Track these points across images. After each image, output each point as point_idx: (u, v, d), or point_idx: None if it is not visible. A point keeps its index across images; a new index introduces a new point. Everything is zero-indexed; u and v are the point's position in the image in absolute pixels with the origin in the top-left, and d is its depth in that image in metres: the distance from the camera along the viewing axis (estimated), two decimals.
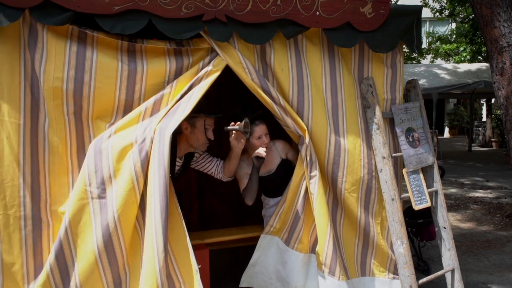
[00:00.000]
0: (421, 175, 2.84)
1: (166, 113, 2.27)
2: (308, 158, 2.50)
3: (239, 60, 2.38)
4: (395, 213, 2.62)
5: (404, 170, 2.76)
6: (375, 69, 2.74)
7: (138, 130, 2.23)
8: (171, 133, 2.17)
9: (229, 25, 2.32)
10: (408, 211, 3.63)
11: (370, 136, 2.69)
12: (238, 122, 2.48)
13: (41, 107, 2.18)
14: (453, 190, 7.47)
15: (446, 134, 20.43)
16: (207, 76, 2.35)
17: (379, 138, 2.66)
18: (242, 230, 3.07)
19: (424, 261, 3.82)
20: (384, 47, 2.63)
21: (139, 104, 2.33)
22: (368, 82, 2.69)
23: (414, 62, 15.37)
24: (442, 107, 20.37)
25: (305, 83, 2.55)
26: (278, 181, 2.72)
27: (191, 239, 2.90)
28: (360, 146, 2.66)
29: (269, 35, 2.41)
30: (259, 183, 2.73)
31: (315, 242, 2.59)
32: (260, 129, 2.63)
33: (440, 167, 3.93)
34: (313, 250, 2.63)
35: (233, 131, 2.51)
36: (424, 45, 17.63)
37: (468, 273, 3.81)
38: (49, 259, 2.12)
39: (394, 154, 2.75)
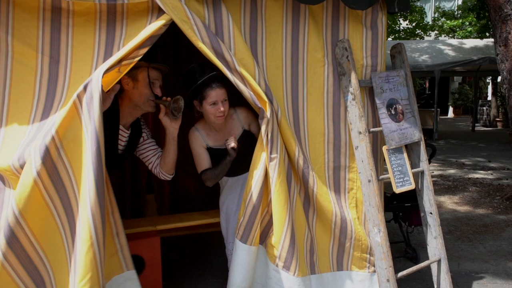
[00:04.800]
0: (405, 154, 2.48)
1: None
2: (269, 135, 2.13)
3: (186, 14, 1.99)
4: (372, 197, 2.28)
5: (384, 148, 2.40)
6: (352, 30, 2.36)
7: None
8: (100, 83, 1.77)
9: None
10: (395, 194, 3.30)
11: (341, 108, 2.33)
12: (169, 98, 2.11)
13: None
14: (452, 171, 7.10)
15: (450, 113, 19.91)
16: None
17: (355, 110, 2.30)
18: (203, 215, 2.75)
19: (413, 247, 3.49)
20: (361, 3, 2.24)
21: (60, 99, 1.95)
22: (343, 45, 2.31)
23: (417, 38, 14.80)
24: (446, 86, 19.80)
25: (258, 49, 2.18)
26: (238, 156, 2.32)
27: (142, 225, 2.60)
28: (324, 119, 2.30)
29: None
30: (216, 157, 2.36)
31: (264, 232, 2.27)
32: (216, 94, 2.22)
33: (430, 145, 3.57)
34: (261, 241, 2.31)
35: (162, 106, 2.13)
36: (429, 21, 16.98)
37: (460, 261, 3.48)
38: None
39: (372, 129, 2.39)
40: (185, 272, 3.21)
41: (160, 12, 2.01)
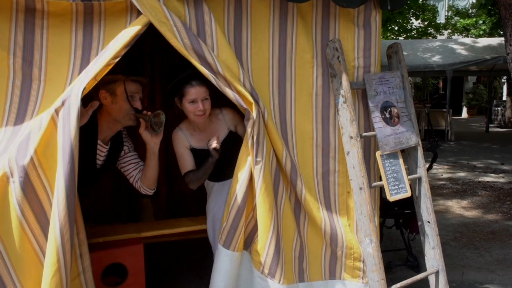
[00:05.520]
0: (400, 159, 2.35)
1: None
2: (255, 137, 2.04)
3: (164, 15, 1.90)
4: (363, 205, 2.16)
5: (377, 153, 2.28)
6: (343, 30, 2.24)
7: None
8: (79, 99, 1.71)
9: None
10: (397, 200, 3.15)
11: (330, 111, 2.22)
12: (149, 113, 2.04)
13: None
14: (462, 174, 6.89)
15: (464, 114, 19.49)
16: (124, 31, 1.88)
17: (346, 114, 2.18)
18: (191, 222, 2.65)
19: (414, 255, 3.35)
20: (352, 1, 2.11)
21: (35, 104, 1.88)
22: (334, 45, 2.20)
23: (430, 37, 14.51)
24: (460, 86, 19.39)
25: (243, 50, 2.09)
26: (223, 159, 2.23)
27: (126, 232, 2.52)
28: (313, 123, 2.20)
29: None
30: (200, 158, 2.27)
31: (249, 237, 2.19)
32: (196, 91, 2.12)
33: (432, 150, 3.44)
34: (246, 247, 2.22)
35: (142, 119, 2.06)
36: (442, 20, 16.65)
37: (465, 270, 3.33)
38: None
39: (364, 134, 2.27)
40: (177, 278, 3.13)
41: (139, 12, 1.92)
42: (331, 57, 2.21)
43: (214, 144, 2.12)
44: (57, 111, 1.72)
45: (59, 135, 1.71)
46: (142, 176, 2.21)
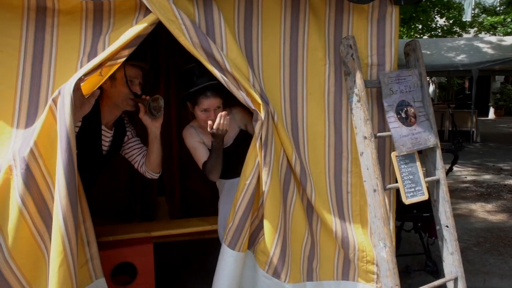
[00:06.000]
0: (417, 161, 2.26)
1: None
2: (263, 138, 2.00)
3: (173, 13, 1.88)
4: (377, 208, 2.08)
5: (393, 154, 2.20)
6: (357, 26, 2.17)
7: None
8: (73, 86, 1.71)
9: None
10: (415, 203, 3.05)
11: (342, 110, 2.16)
12: (148, 97, 2.04)
13: None
14: (487, 177, 6.65)
15: (491, 115, 18.91)
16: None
17: (360, 113, 2.11)
18: (202, 222, 2.63)
19: (433, 260, 3.23)
20: None
21: (45, 101, 1.87)
22: (347, 42, 2.13)
23: (455, 35, 14.11)
24: (487, 86, 18.82)
25: (254, 48, 2.05)
26: (234, 157, 2.22)
27: (136, 231, 2.52)
28: (325, 122, 2.15)
29: None
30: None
31: (252, 237, 2.16)
32: (209, 103, 2.13)
33: (452, 151, 3.31)
34: (249, 246, 2.18)
35: (141, 104, 2.07)
36: (468, 17, 16.18)
37: (487, 277, 3.20)
38: None
39: (379, 134, 2.19)
40: (188, 278, 3.11)
41: (147, 10, 1.91)
42: (345, 55, 2.14)
43: (209, 129, 2.07)
44: (54, 101, 1.72)
45: (58, 124, 1.71)
46: (146, 161, 2.26)
